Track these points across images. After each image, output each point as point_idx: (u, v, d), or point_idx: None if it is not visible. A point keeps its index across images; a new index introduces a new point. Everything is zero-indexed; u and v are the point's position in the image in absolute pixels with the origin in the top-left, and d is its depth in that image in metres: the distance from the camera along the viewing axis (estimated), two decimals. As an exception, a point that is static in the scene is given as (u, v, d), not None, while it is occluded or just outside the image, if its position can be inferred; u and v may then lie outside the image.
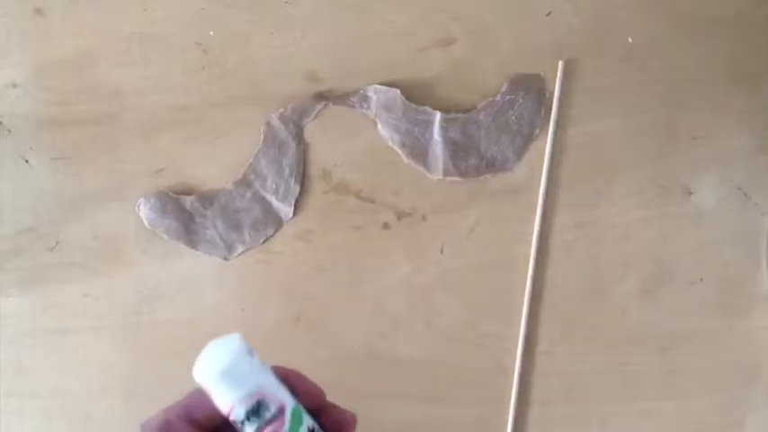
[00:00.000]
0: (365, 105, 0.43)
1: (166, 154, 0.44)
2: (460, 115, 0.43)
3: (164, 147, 0.44)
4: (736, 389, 0.46)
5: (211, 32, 0.43)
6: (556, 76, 0.43)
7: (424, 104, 0.43)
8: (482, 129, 0.43)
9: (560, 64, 0.43)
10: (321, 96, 0.43)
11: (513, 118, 0.43)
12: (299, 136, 0.43)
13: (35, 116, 0.43)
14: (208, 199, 0.44)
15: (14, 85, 0.43)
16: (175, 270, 0.44)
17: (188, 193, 0.44)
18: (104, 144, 0.43)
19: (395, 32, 0.43)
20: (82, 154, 0.43)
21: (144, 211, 0.43)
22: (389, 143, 0.44)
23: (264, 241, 0.44)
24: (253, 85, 0.43)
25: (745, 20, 0.44)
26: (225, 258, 0.44)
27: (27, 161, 0.44)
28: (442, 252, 0.45)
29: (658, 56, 0.44)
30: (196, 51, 0.43)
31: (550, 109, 0.43)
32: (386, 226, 0.44)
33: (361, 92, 0.43)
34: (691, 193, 0.45)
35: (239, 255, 0.44)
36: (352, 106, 0.43)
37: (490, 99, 0.43)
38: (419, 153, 0.44)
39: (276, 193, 0.44)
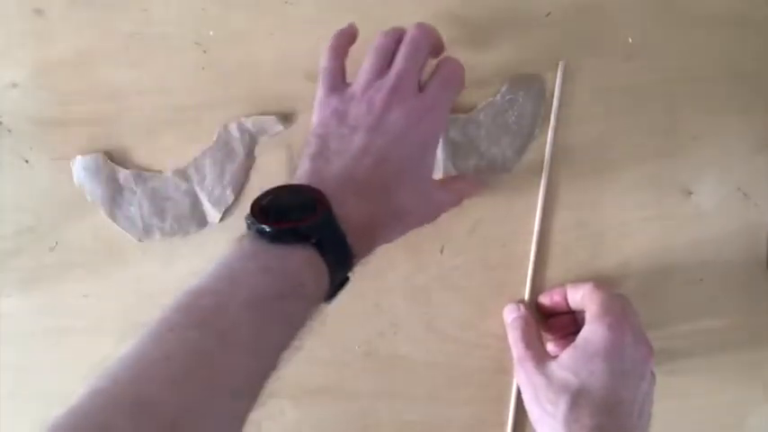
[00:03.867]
0: None
1: (166, 154, 0.44)
2: (460, 115, 0.43)
3: (164, 147, 0.44)
4: (736, 389, 0.46)
5: (211, 32, 0.43)
6: (556, 75, 0.43)
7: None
8: (482, 129, 0.43)
9: (560, 64, 0.43)
10: (286, 118, 0.43)
11: (513, 118, 0.43)
12: (250, 149, 0.43)
13: (35, 116, 0.43)
14: (142, 178, 0.44)
15: (14, 85, 0.43)
16: (175, 270, 0.44)
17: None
18: (104, 144, 0.43)
19: (395, 32, 0.43)
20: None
21: (76, 167, 0.43)
22: None
23: (183, 236, 0.44)
24: (253, 85, 0.43)
25: (745, 20, 0.44)
26: (140, 240, 0.44)
27: (27, 161, 0.44)
28: (441, 252, 0.45)
29: (658, 56, 0.44)
30: (196, 51, 0.43)
31: (551, 109, 0.43)
32: (386, 226, 0.44)
33: None
34: (691, 193, 0.45)
35: (155, 241, 0.44)
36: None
37: (490, 99, 0.43)
38: None
39: (210, 195, 0.44)
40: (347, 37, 0.39)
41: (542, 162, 0.44)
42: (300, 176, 0.34)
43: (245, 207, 0.44)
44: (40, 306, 0.45)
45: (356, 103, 0.36)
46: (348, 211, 0.31)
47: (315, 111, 0.38)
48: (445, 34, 0.41)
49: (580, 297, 0.41)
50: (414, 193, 0.36)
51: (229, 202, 0.44)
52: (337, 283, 0.32)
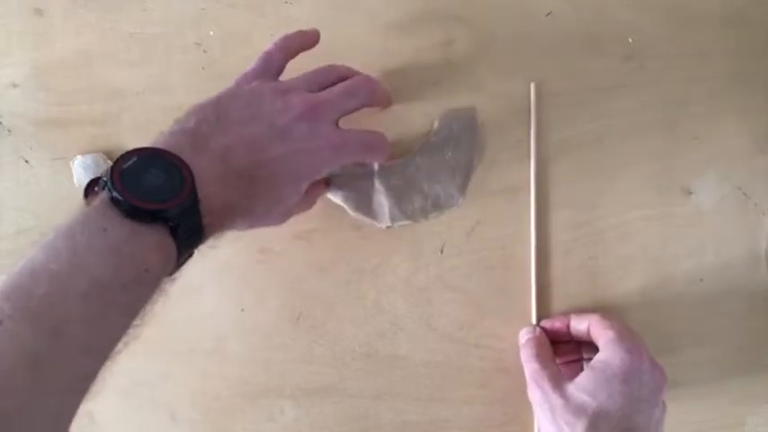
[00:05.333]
0: None
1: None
2: (398, 161, 0.43)
3: (164, 147, 0.44)
4: (737, 389, 0.46)
5: (211, 32, 0.43)
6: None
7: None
8: (421, 170, 0.43)
9: (532, 87, 0.43)
10: None
11: (450, 153, 0.43)
12: None
13: (35, 116, 0.43)
14: None
15: (14, 85, 0.43)
16: (175, 270, 0.44)
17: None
18: (104, 144, 0.43)
19: (395, 32, 0.43)
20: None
21: (76, 167, 0.43)
22: (333, 200, 0.43)
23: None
24: (253, 85, 0.43)
25: (745, 20, 0.44)
26: None
27: (27, 161, 0.44)
28: (441, 252, 0.45)
29: (658, 56, 0.44)
30: (196, 51, 0.43)
31: (526, 123, 0.43)
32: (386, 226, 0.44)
33: None
34: (691, 193, 0.45)
35: None
36: None
37: (424, 140, 0.43)
38: (364, 205, 0.43)
39: None
40: (305, 40, 0.39)
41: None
42: (175, 142, 0.31)
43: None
44: (40, 306, 0.45)
45: (274, 97, 0.35)
46: (210, 194, 0.30)
47: (233, 81, 0.37)
48: (445, 34, 0.41)
49: (585, 327, 0.41)
50: (275, 201, 0.35)
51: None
52: (182, 261, 0.31)
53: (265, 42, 0.43)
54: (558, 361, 0.42)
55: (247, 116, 0.34)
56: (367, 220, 0.44)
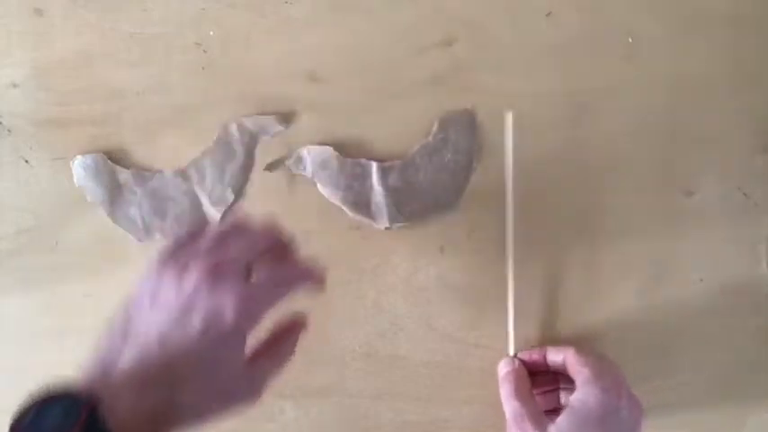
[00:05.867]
0: (301, 167, 0.43)
1: (166, 154, 0.44)
2: (397, 162, 0.43)
3: (164, 147, 0.44)
4: (736, 390, 0.46)
5: (211, 32, 0.43)
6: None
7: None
8: (420, 172, 0.43)
9: (509, 117, 0.42)
10: (286, 118, 0.43)
11: (449, 156, 0.43)
12: (250, 149, 0.43)
13: (35, 116, 0.43)
14: (142, 178, 0.44)
15: (14, 85, 0.43)
16: (175, 270, 0.44)
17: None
18: (104, 144, 0.43)
19: (395, 32, 0.43)
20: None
21: (76, 167, 0.43)
22: (332, 200, 0.43)
23: None
24: (253, 85, 0.43)
25: (745, 20, 0.44)
26: (139, 240, 0.44)
27: (27, 161, 0.44)
28: (442, 252, 0.45)
29: (658, 56, 0.44)
30: (196, 51, 0.43)
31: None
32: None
33: (296, 154, 0.43)
34: (691, 193, 0.45)
35: (155, 242, 0.44)
36: (288, 169, 0.43)
37: (423, 141, 0.43)
38: (362, 206, 0.43)
39: (210, 195, 0.44)
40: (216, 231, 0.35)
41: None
42: (85, 367, 0.31)
43: (245, 207, 0.44)
44: (40, 306, 0.45)
45: (169, 281, 0.32)
46: (122, 407, 0.28)
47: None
48: (445, 34, 0.41)
49: (561, 359, 0.41)
50: (212, 385, 0.31)
51: (229, 202, 0.44)
52: None
53: (265, 42, 0.43)
54: (535, 391, 0.42)
55: (149, 314, 0.32)
56: (366, 220, 0.44)
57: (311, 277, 0.36)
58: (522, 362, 0.43)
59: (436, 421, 0.45)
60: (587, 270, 0.45)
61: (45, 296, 0.45)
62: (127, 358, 0.31)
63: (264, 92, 0.43)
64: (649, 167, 0.44)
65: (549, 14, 0.43)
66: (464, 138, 0.43)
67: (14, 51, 0.43)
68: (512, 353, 0.43)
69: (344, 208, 0.44)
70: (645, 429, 0.39)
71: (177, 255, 0.34)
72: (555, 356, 0.42)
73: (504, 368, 0.43)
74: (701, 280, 0.45)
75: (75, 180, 0.43)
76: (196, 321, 0.31)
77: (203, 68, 0.43)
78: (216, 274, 0.32)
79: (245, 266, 0.33)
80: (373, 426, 0.45)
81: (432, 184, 0.44)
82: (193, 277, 0.32)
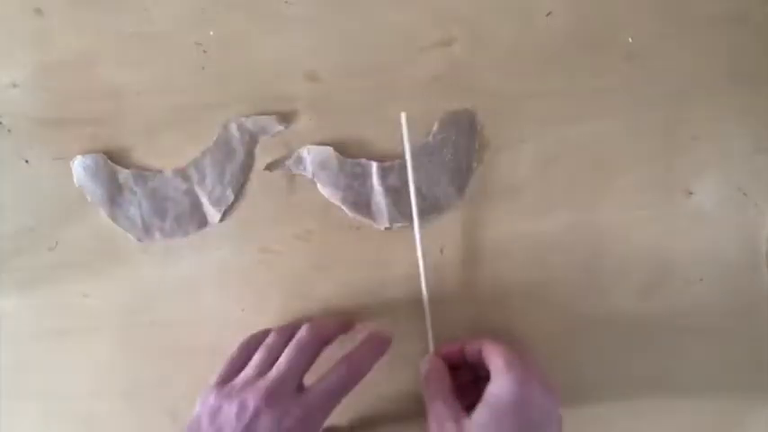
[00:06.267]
0: (301, 167, 0.43)
1: (166, 154, 0.44)
2: (397, 162, 0.43)
3: (164, 147, 0.44)
4: (736, 389, 0.46)
5: (211, 32, 0.43)
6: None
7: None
8: (420, 171, 0.43)
9: (403, 117, 0.41)
10: (286, 118, 0.43)
11: (449, 156, 0.43)
12: (250, 149, 0.43)
13: (35, 116, 0.43)
14: (142, 178, 0.44)
15: (14, 85, 0.43)
16: (175, 270, 0.44)
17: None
18: (104, 144, 0.43)
19: (395, 32, 0.43)
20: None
21: (76, 167, 0.43)
22: (332, 200, 0.43)
23: (183, 236, 0.44)
24: (253, 85, 0.43)
25: (745, 20, 0.44)
26: (139, 240, 0.44)
27: (27, 161, 0.44)
28: (441, 252, 0.45)
29: (658, 56, 0.44)
30: (196, 51, 0.43)
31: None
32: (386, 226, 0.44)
33: (296, 154, 0.43)
34: (691, 193, 0.45)
35: (155, 241, 0.44)
36: (288, 169, 0.43)
37: (423, 141, 0.43)
38: (362, 206, 0.44)
39: (210, 195, 0.44)
40: (262, 337, 0.41)
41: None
42: None
43: (245, 207, 0.44)
44: (40, 306, 0.45)
45: (230, 402, 0.35)
46: None
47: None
48: (445, 34, 0.41)
49: (477, 351, 0.41)
50: None
51: (229, 201, 0.44)
52: None
53: (265, 42, 0.43)
54: (458, 384, 0.41)
55: None
56: (366, 220, 0.44)
57: (379, 352, 0.40)
58: (447, 355, 0.42)
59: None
60: (587, 270, 0.45)
61: (45, 296, 0.45)
62: None
63: (264, 92, 0.43)
64: (649, 167, 0.44)
65: (549, 14, 0.43)
66: (464, 137, 0.43)
67: (15, 51, 0.43)
68: (431, 349, 0.43)
69: (344, 208, 0.44)
70: (626, 426, 0.38)
71: (232, 376, 0.37)
72: (471, 348, 0.41)
73: (424, 366, 0.42)
74: (701, 280, 0.45)
75: (75, 180, 0.43)
76: None
77: (203, 68, 0.43)
78: (271, 396, 0.35)
79: (300, 378, 0.37)
80: (373, 426, 0.45)
81: (431, 184, 0.44)
82: (251, 402, 0.35)
